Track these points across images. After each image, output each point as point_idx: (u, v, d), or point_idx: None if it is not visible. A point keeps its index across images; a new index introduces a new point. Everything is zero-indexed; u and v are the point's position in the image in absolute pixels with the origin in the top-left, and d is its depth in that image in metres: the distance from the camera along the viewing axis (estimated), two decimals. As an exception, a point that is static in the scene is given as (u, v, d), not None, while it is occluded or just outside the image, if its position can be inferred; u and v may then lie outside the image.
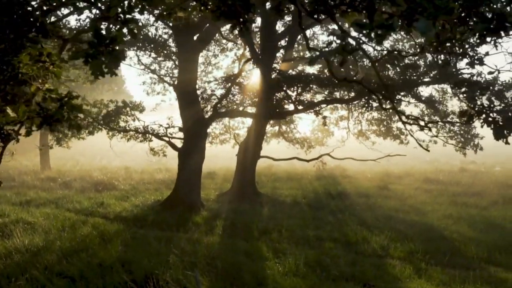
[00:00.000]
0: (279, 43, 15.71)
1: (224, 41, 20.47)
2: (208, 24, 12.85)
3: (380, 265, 8.07)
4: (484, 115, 3.91)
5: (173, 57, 14.96)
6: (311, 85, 11.96)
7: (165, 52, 14.70)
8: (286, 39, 15.84)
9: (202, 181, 19.88)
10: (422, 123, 10.93)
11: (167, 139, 13.99)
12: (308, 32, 19.06)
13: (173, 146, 13.83)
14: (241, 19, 2.70)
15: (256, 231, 10.62)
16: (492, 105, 4.12)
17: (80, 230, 10.17)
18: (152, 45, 14.22)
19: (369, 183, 19.35)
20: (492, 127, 3.95)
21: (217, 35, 19.40)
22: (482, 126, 4.18)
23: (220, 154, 30.92)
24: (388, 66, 10.83)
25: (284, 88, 12.80)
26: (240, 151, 15.97)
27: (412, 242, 9.66)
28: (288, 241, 9.78)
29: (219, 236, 10.30)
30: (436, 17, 2.10)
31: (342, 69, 15.04)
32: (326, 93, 12.73)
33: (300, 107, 12.61)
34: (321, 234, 10.32)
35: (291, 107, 13.38)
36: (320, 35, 53.40)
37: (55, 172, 21.47)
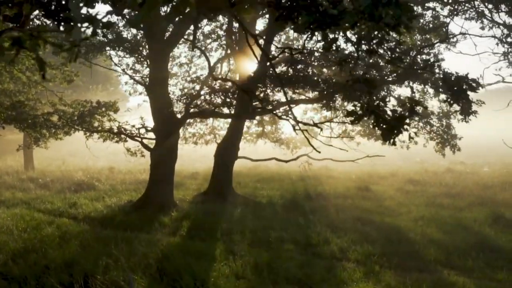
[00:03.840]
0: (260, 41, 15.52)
1: (208, 41, 20.44)
2: (173, 27, 12.87)
3: (331, 268, 7.96)
4: (374, 115, 3.80)
5: (145, 58, 14.91)
6: (275, 86, 11.88)
7: (139, 52, 14.65)
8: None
9: (184, 181, 19.89)
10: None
11: (139, 139, 13.91)
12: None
13: (145, 147, 13.77)
14: (60, 18, 2.66)
15: (220, 232, 10.55)
16: (383, 105, 4.00)
17: (44, 231, 10.14)
18: (125, 45, 14.16)
19: (351, 184, 19.20)
20: (383, 128, 3.84)
21: (200, 34, 19.43)
22: (373, 127, 4.08)
23: (210, 155, 30.82)
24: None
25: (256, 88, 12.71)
26: (217, 152, 15.89)
27: (372, 244, 9.54)
28: (248, 242, 9.69)
29: (180, 237, 10.23)
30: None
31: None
32: (290, 93, 12.63)
33: (269, 107, 12.53)
34: (283, 236, 10.21)
35: (260, 107, 13.26)
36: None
37: (38, 173, 21.47)
